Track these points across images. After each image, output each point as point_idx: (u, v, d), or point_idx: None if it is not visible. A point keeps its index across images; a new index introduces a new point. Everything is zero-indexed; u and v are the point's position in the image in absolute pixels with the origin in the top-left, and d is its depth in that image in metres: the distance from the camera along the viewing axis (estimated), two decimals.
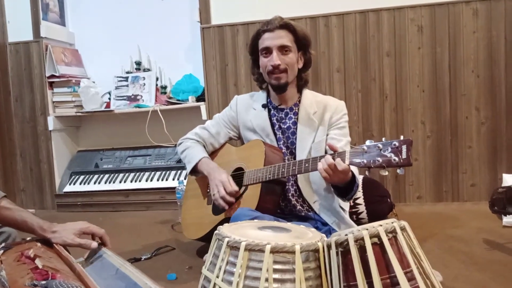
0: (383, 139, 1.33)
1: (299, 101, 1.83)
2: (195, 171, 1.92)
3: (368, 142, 1.35)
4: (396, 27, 2.81)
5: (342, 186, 1.56)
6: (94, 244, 1.23)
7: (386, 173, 1.32)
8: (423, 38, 2.78)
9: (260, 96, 1.92)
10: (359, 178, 2.14)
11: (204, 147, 1.98)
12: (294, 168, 1.59)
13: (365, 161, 1.34)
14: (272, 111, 1.86)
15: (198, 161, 1.88)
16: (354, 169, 1.51)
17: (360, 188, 2.27)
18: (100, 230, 1.29)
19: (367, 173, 1.37)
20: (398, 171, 1.29)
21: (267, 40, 1.76)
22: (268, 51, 1.76)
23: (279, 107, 1.85)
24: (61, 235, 1.23)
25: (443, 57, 2.77)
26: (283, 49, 1.75)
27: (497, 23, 2.68)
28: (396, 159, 1.27)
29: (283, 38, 1.75)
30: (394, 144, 1.28)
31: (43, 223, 1.26)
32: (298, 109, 1.82)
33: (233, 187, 1.74)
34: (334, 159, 1.42)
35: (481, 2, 2.69)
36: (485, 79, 2.72)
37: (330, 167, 1.41)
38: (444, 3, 2.74)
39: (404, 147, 1.27)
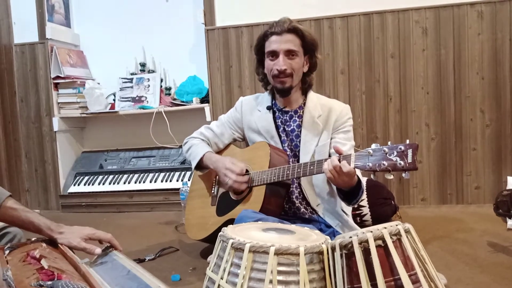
0: (389, 142, 1.33)
1: (304, 104, 1.83)
2: (200, 167, 1.93)
3: (373, 146, 1.35)
4: (401, 29, 2.81)
5: (348, 191, 1.56)
6: (98, 250, 1.23)
7: (391, 177, 1.31)
8: (427, 40, 2.78)
9: (265, 98, 1.92)
10: (364, 180, 2.13)
11: (209, 145, 1.99)
12: (299, 170, 1.59)
13: (370, 164, 1.34)
14: (276, 113, 1.86)
15: (202, 156, 1.89)
16: (357, 172, 1.51)
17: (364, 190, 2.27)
18: (107, 235, 1.29)
19: (372, 176, 1.36)
20: (404, 175, 1.28)
21: (275, 43, 1.74)
22: (274, 54, 1.75)
23: (283, 109, 1.85)
24: (67, 237, 1.24)
25: (447, 59, 2.76)
26: (290, 53, 1.73)
27: (502, 25, 2.67)
28: (402, 163, 1.27)
29: (291, 42, 1.73)
30: (400, 148, 1.28)
31: (50, 223, 1.27)
32: (302, 112, 1.81)
33: (240, 168, 1.75)
34: (339, 161, 1.42)
35: (486, 4, 2.68)
36: (490, 81, 2.71)
37: (335, 168, 1.41)
38: (449, 5, 2.73)
39: (409, 151, 1.26)
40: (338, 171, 1.41)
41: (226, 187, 1.81)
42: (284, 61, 1.72)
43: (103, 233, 1.30)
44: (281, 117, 1.85)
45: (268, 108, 1.87)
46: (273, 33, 1.75)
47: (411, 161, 1.26)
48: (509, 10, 2.66)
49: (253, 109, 1.92)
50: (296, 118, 1.82)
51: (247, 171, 1.82)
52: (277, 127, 1.84)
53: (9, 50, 3.34)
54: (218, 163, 1.83)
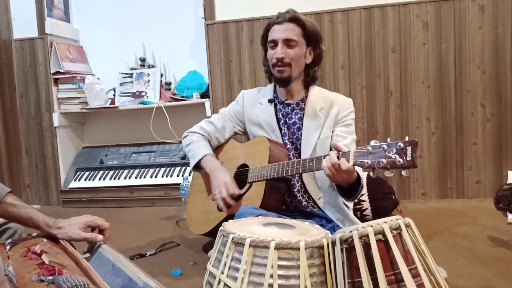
0: (388, 139, 1.31)
1: (306, 97, 1.82)
2: (198, 166, 1.92)
3: (373, 143, 1.34)
4: (401, 23, 2.79)
5: (347, 187, 1.55)
6: (100, 237, 1.24)
7: (391, 174, 1.30)
8: (428, 34, 2.76)
9: (267, 91, 1.91)
10: (363, 175, 2.13)
11: (209, 141, 1.98)
12: (298, 167, 1.59)
13: (369, 161, 1.33)
14: (278, 106, 1.86)
15: (201, 157, 1.88)
16: (358, 168, 1.51)
17: (364, 185, 2.27)
18: (105, 223, 1.30)
19: (371, 174, 1.36)
20: (403, 173, 1.26)
21: (275, 32, 1.76)
22: (274, 43, 1.76)
23: (285, 102, 1.84)
24: (66, 231, 1.24)
25: (448, 53, 2.75)
26: (288, 42, 1.74)
27: (503, 19, 2.66)
28: (401, 160, 1.26)
29: (290, 31, 1.74)
30: (399, 145, 1.26)
31: (49, 219, 1.27)
32: (304, 104, 1.81)
33: (234, 190, 1.73)
34: (338, 158, 1.41)
35: None
36: (491, 75, 2.71)
37: (334, 166, 1.41)
38: None
39: (409, 149, 1.25)
40: (337, 168, 1.41)
41: (213, 198, 1.79)
42: (282, 49, 1.73)
43: (101, 220, 1.30)
44: (283, 109, 1.84)
45: (270, 101, 1.86)
46: (275, 23, 1.77)
47: (410, 158, 1.24)
48: (511, 4, 2.64)
49: (255, 102, 1.92)
50: (298, 111, 1.82)
51: (246, 166, 1.82)
52: (278, 120, 1.84)
53: (9, 46, 3.33)
54: (216, 171, 1.80)
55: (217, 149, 2.00)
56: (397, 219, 1.04)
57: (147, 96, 3.28)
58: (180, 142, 2.10)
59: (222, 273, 1.10)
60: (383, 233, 1.00)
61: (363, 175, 2.16)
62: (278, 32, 1.75)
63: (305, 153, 1.75)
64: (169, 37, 3.37)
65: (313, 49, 1.80)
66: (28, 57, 3.33)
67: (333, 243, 1.08)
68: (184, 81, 3.26)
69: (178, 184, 2.82)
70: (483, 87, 2.72)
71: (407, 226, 1.04)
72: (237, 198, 1.76)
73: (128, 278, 0.95)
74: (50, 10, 3.32)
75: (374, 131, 2.88)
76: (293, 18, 1.75)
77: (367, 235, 1.00)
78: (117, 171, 3.30)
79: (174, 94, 3.27)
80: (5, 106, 3.36)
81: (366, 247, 1.00)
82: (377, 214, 2.28)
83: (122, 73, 3.39)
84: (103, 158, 3.40)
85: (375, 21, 2.83)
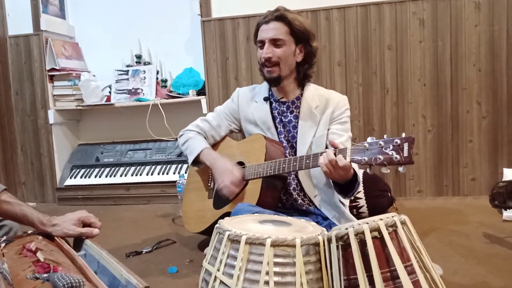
0: (385, 136, 1.32)
1: (301, 95, 1.82)
2: (197, 162, 1.91)
3: (369, 139, 1.34)
4: (398, 21, 2.80)
5: (344, 184, 1.56)
6: (96, 231, 1.24)
7: (388, 170, 1.31)
8: (424, 31, 2.77)
9: (262, 89, 1.91)
10: (360, 172, 2.13)
11: (205, 138, 1.97)
12: (295, 164, 1.59)
13: (366, 158, 1.33)
14: (273, 104, 1.85)
15: (200, 151, 1.88)
16: (354, 165, 1.51)
17: (360, 182, 2.27)
18: (98, 222, 1.30)
19: (368, 170, 1.36)
20: (400, 169, 1.27)
21: (262, 32, 1.76)
22: (262, 43, 1.76)
23: (280, 100, 1.84)
24: (61, 228, 1.24)
25: (444, 50, 2.75)
26: (275, 42, 1.73)
27: (499, 16, 2.66)
28: (398, 157, 1.26)
29: (276, 30, 1.73)
30: (396, 142, 1.27)
31: (43, 217, 1.26)
32: (300, 102, 1.81)
33: (238, 175, 1.73)
34: (335, 155, 1.42)
35: None
36: (487, 73, 2.71)
37: (331, 163, 1.41)
38: None
39: (405, 145, 1.26)
40: (334, 165, 1.41)
41: (212, 190, 1.79)
42: (269, 49, 1.73)
43: (94, 218, 1.30)
44: (278, 108, 1.84)
45: (265, 99, 1.86)
46: (262, 22, 1.77)
47: (407, 155, 1.25)
48: (506, 2, 2.65)
49: (250, 100, 1.91)
50: (294, 109, 1.82)
51: (243, 163, 1.82)
52: (273, 118, 1.83)
53: (4, 42, 3.31)
54: (217, 162, 1.81)
55: (213, 147, 1.99)
56: (392, 216, 1.04)
57: (143, 93, 3.26)
58: (176, 139, 2.09)
59: (218, 270, 1.10)
60: (378, 230, 1.00)
61: (360, 172, 2.16)
62: (265, 32, 1.75)
63: (301, 151, 1.75)
64: (165, 34, 3.36)
65: (303, 47, 1.78)
66: (23, 54, 3.31)
67: (329, 240, 1.08)
68: (180, 78, 3.25)
69: (174, 182, 2.81)
70: (479, 84, 2.73)
71: (403, 223, 1.05)
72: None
73: (113, 276, 0.95)
74: (45, 7, 3.30)
75: (370, 128, 2.88)
76: (280, 16, 1.73)
77: (362, 232, 1.00)
78: (113, 168, 3.29)
79: (170, 91, 3.27)
80: (0, 103, 3.33)
81: (362, 244, 1.00)
82: (373, 211, 2.28)
83: (118, 70, 3.38)
84: (99, 156, 3.39)
85: (371, 19, 2.83)
